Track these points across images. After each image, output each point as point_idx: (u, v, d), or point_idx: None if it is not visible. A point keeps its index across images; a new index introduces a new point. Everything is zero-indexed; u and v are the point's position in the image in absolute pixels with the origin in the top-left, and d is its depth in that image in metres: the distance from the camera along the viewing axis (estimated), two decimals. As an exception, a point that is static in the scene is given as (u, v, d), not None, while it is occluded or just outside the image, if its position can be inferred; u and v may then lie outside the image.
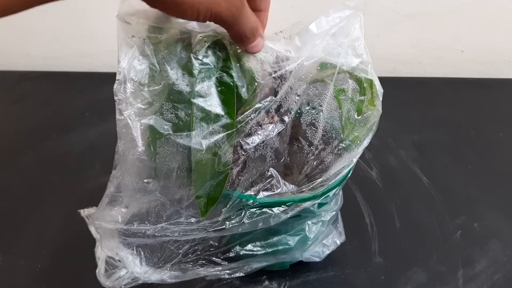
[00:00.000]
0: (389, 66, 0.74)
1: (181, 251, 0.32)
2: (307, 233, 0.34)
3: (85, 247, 0.42)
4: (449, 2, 0.69)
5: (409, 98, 0.68)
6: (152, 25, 0.27)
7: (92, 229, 0.34)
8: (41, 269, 0.40)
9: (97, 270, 0.33)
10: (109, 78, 0.80)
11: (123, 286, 0.33)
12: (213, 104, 0.27)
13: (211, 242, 0.33)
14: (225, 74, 0.27)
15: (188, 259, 0.33)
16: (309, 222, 0.34)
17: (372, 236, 0.43)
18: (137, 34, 0.27)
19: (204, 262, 0.34)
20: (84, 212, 0.36)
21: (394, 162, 0.53)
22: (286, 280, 0.38)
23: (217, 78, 0.27)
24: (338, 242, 0.38)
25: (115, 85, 0.27)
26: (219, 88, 0.27)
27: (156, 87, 0.27)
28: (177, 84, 0.27)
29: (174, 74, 0.27)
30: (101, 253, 0.33)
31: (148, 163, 0.29)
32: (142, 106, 0.28)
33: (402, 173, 0.51)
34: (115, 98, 0.27)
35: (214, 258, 0.34)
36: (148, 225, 0.30)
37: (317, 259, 0.37)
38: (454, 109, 0.65)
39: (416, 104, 0.66)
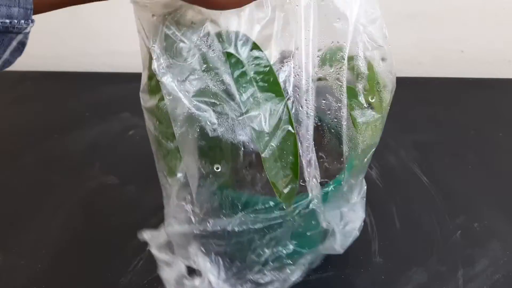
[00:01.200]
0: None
1: (262, 258, 0.31)
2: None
3: (85, 247, 0.42)
4: (449, 2, 0.69)
5: (409, 98, 0.68)
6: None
7: (153, 251, 0.33)
8: (41, 269, 0.40)
9: (167, 286, 0.32)
10: (109, 78, 0.81)
11: None
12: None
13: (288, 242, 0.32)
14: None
15: (269, 268, 0.32)
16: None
17: (372, 236, 0.43)
18: (156, 13, 0.26)
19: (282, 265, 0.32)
20: (143, 236, 0.35)
21: (394, 162, 0.53)
22: (286, 280, 0.38)
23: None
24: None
25: (154, 64, 0.26)
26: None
27: (191, 60, 0.26)
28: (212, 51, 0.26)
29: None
30: (169, 274, 0.32)
31: (210, 142, 0.27)
32: (188, 83, 0.26)
33: (402, 173, 0.51)
34: (158, 78, 0.26)
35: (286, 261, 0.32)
36: (224, 219, 0.29)
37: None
38: (454, 109, 0.65)
39: (416, 104, 0.66)
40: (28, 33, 0.21)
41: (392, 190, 0.48)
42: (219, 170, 0.28)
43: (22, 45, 0.22)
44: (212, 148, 0.27)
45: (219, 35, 0.26)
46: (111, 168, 0.52)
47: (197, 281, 0.31)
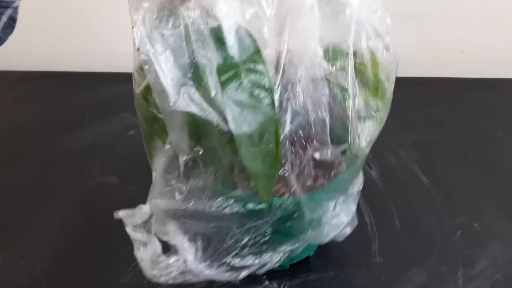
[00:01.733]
0: (389, 66, 0.74)
1: (240, 244, 0.30)
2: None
3: (85, 247, 0.42)
4: (449, 2, 0.69)
5: (409, 98, 0.68)
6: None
7: (128, 230, 0.32)
8: (41, 269, 0.40)
9: (142, 266, 0.31)
10: (109, 78, 0.81)
11: (170, 279, 0.30)
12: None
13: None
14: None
15: (246, 252, 0.31)
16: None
17: (372, 236, 0.43)
18: None
19: (260, 250, 0.32)
20: (119, 214, 0.34)
21: (394, 162, 0.53)
22: (286, 280, 0.38)
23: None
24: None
25: (134, 32, 0.25)
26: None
27: (175, 29, 0.25)
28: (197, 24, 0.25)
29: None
30: (144, 253, 0.31)
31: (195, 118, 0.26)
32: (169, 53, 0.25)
33: (402, 173, 0.51)
34: (136, 47, 0.25)
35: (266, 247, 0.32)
36: (206, 200, 0.28)
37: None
38: (454, 109, 0.65)
39: (416, 104, 0.66)
40: (17, 7, 0.21)
41: (392, 190, 0.48)
42: (200, 152, 0.27)
43: (12, 21, 0.21)
44: (198, 125, 0.26)
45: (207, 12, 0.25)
46: (111, 168, 0.52)
47: (172, 259, 0.30)
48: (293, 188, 0.29)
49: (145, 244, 0.31)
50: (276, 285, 0.38)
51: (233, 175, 0.28)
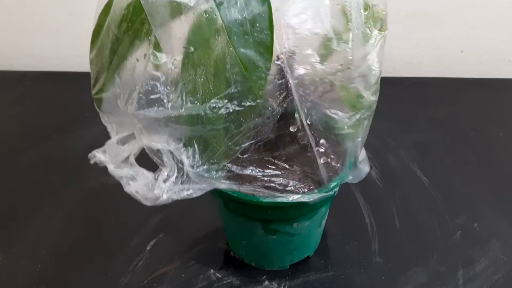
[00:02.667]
0: (389, 66, 0.74)
1: (238, 147, 0.28)
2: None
3: (85, 247, 0.42)
4: (449, 2, 0.69)
5: (409, 98, 0.68)
6: None
7: (110, 168, 0.31)
8: (41, 269, 0.40)
9: (139, 196, 0.30)
10: (109, 78, 0.79)
11: (173, 194, 0.28)
12: None
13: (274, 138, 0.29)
14: None
15: (247, 159, 0.29)
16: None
17: (372, 236, 0.43)
18: None
19: (264, 163, 0.29)
20: (97, 156, 0.32)
21: (394, 162, 0.53)
22: (286, 280, 0.38)
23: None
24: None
25: None
26: None
27: None
28: None
29: None
30: (136, 186, 0.29)
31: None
32: None
33: (402, 173, 0.51)
34: None
35: (275, 160, 0.29)
36: (198, 104, 0.26)
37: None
38: (454, 109, 0.65)
39: (416, 104, 0.66)
40: None
41: (392, 190, 0.48)
42: (191, 50, 0.25)
43: None
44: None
45: None
46: (111, 168, 0.52)
47: (166, 170, 0.29)
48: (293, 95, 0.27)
49: (133, 178, 0.30)
50: (276, 285, 0.38)
51: (225, 71, 0.25)
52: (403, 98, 0.67)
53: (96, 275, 0.39)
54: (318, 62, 0.28)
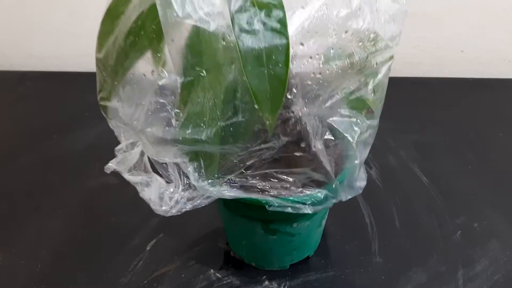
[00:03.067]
0: (389, 66, 0.74)
1: (243, 164, 0.28)
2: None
3: (85, 247, 0.42)
4: (449, 2, 0.69)
5: (409, 98, 0.68)
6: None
7: (126, 176, 0.31)
8: (41, 269, 0.40)
9: (153, 207, 0.30)
10: (109, 78, 0.79)
11: (183, 208, 0.29)
12: None
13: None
14: None
15: (251, 173, 0.29)
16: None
17: (372, 236, 0.43)
18: None
19: (267, 177, 0.30)
20: (109, 165, 0.33)
21: (394, 162, 0.53)
22: (286, 280, 0.38)
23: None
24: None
25: None
26: None
27: None
28: None
29: None
30: (150, 193, 0.30)
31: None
32: None
33: (402, 173, 0.51)
34: None
35: (278, 174, 0.30)
36: (204, 127, 0.25)
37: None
38: (454, 109, 0.65)
39: (416, 104, 0.66)
40: None
41: (392, 190, 0.48)
42: (202, 74, 0.24)
43: None
44: (201, 40, 0.24)
45: None
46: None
47: (173, 187, 0.30)
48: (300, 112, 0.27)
49: (147, 184, 0.30)
50: (276, 285, 0.38)
51: (234, 99, 0.25)
52: (403, 98, 0.67)
53: (96, 275, 0.39)
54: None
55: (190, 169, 0.28)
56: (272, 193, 0.30)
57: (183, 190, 0.30)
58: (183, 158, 0.28)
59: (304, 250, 0.39)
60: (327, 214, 0.39)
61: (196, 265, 0.40)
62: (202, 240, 0.42)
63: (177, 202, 0.29)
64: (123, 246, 0.42)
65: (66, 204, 0.47)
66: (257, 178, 0.30)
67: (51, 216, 0.46)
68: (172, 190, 0.29)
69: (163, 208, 0.29)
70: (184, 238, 0.43)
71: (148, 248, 0.41)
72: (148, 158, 0.32)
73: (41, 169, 0.53)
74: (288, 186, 0.31)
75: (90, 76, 0.83)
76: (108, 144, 0.57)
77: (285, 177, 0.30)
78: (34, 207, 0.47)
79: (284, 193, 0.31)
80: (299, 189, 0.31)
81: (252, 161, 0.28)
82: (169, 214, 0.30)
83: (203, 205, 0.30)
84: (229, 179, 0.29)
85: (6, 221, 0.45)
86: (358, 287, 0.38)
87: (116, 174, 0.51)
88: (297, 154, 0.30)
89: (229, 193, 0.30)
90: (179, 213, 0.30)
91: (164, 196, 0.29)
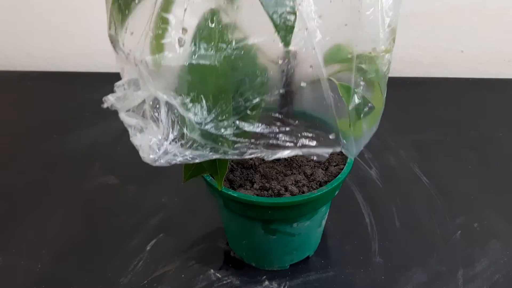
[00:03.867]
0: (389, 66, 0.74)
1: (249, 103, 0.27)
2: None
3: (85, 247, 0.42)
4: (449, 2, 0.69)
5: (409, 98, 0.68)
6: None
7: (122, 116, 0.28)
8: (41, 269, 0.40)
9: (141, 155, 0.28)
10: (109, 78, 0.81)
11: (173, 158, 0.27)
12: None
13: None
14: None
15: (255, 115, 0.28)
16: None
17: (372, 236, 0.43)
18: None
19: (271, 120, 0.28)
20: (109, 99, 0.30)
21: (394, 162, 0.53)
22: (286, 280, 0.38)
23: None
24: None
25: None
26: None
27: None
28: None
29: None
30: (142, 139, 0.27)
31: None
32: None
33: (402, 173, 0.51)
34: None
35: (283, 117, 0.28)
36: (212, 52, 0.24)
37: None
38: (454, 109, 0.65)
39: (416, 104, 0.66)
40: None
41: (392, 190, 0.48)
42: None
43: None
44: None
45: None
46: (111, 168, 0.53)
47: (158, 136, 0.27)
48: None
49: (141, 130, 0.28)
50: (276, 285, 0.38)
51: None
52: (403, 98, 0.67)
53: (96, 275, 0.39)
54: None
55: (191, 112, 0.26)
56: (272, 141, 0.29)
57: (174, 140, 0.27)
58: (184, 98, 0.26)
59: (304, 250, 0.39)
60: (327, 214, 0.39)
61: (196, 265, 0.40)
62: (202, 240, 0.42)
63: (166, 152, 0.27)
64: (123, 246, 0.42)
65: (66, 204, 0.47)
66: (262, 122, 0.28)
67: (51, 216, 0.46)
68: (160, 137, 0.27)
69: (151, 156, 0.27)
70: (184, 238, 0.43)
71: (148, 248, 0.42)
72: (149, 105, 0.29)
73: (41, 169, 0.53)
74: (291, 130, 0.29)
75: (90, 76, 0.84)
76: (108, 144, 0.58)
77: (291, 120, 0.28)
78: (34, 207, 0.47)
79: (287, 138, 0.29)
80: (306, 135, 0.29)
81: (258, 98, 0.27)
82: (157, 164, 0.27)
83: (196, 161, 0.27)
84: (233, 122, 0.27)
85: (6, 221, 0.45)
86: (358, 287, 0.38)
87: (115, 173, 0.52)
88: (303, 84, 0.29)
89: (227, 151, 0.27)
90: (168, 165, 0.27)
91: (153, 144, 0.27)
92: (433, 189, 0.48)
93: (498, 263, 0.40)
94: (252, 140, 0.28)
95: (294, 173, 0.35)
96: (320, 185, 0.34)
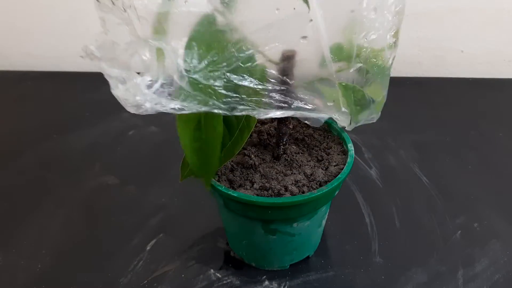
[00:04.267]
0: (389, 66, 0.74)
1: (243, 54, 0.25)
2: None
3: (85, 247, 0.42)
4: (449, 2, 0.69)
5: (409, 98, 0.68)
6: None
7: (102, 65, 0.27)
8: (41, 269, 0.40)
9: (122, 102, 0.26)
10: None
11: (159, 106, 0.24)
12: None
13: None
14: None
15: (249, 67, 0.26)
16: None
17: (372, 236, 0.43)
18: None
19: (265, 76, 0.26)
20: (90, 49, 0.28)
21: (394, 162, 0.53)
22: (286, 280, 0.38)
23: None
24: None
25: None
26: None
27: None
28: None
29: None
30: (124, 91, 0.25)
31: None
32: None
33: (402, 173, 0.51)
34: None
35: (277, 73, 0.26)
36: None
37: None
38: (454, 109, 0.65)
39: (416, 104, 0.66)
40: None
41: (392, 190, 0.48)
42: None
43: None
44: None
45: None
46: (111, 168, 0.53)
47: (148, 77, 0.25)
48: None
49: (123, 81, 0.26)
50: (276, 285, 0.38)
51: None
52: (403, 98, 0.67)
53: (96, 275, 0.39)
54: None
55: (181, 58, 0.25)
56: (266, 100, 0.27)
57: (162, 85, 0.25)
58: (175, 43, 0.24)
59: (304, 250, 0.39)
60: (327, 214, 0.39)
61: (196, 265, 0.40)
62: (202, 240, 0.42)
63: (153, 97, 0.25)
64: (123, 246, 0.42)
65: (66, 204, 0.47)
66: (255, 76, 0.26)
67: (51, 216, 0.46)
68: (149, 79, 0.25)
69: (137, 98, 0.25)
70: (184, 238, 0.43)
71: (148, 248, 0.42)
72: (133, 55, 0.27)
73: (41, 169, 0.53)
74: (286, 90, 0.27)
75: (90, 76, 0.84)
76: (108, 144, 0.58)
77: (285, 79, 0.27)
78: (34, 207, 0.47)
79: (280, 98, 0.27)
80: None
81: (251, 50, 0.25)
82: (141, 110, 0.25)
83: (184, 112, 0.25)
84: (224, 73, 0.25)
85: (6, 221, 0.45)
86: (358, 287, 0.38)
87: (115, 173, 0.52)
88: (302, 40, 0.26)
89: (215, 103, 0.25)
90: (154, 112, 0.25)
91: (141, 84, 0.25)
92: (433, 189, 0.48)
93: (498, 263, 0.40)
94: (243, 96, 0.26)
95: (294, 173, 0.35)
96: (320, 185, 0.34)
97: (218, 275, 0.39)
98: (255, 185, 0.34)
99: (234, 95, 0.26)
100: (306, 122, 0.28)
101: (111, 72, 0.26)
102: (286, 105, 0.27)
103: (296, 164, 0.36)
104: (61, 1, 0.73)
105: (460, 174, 0.51)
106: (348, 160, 0.35)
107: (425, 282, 0.38)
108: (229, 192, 0.32)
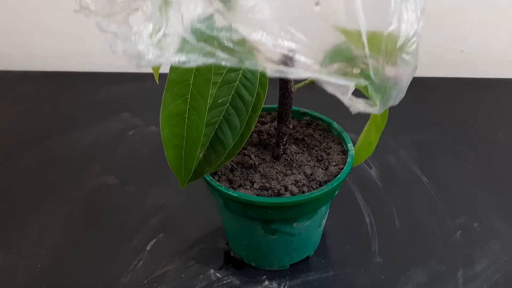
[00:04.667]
0: (389, 66, 0.74)
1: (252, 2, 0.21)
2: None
3: (85, 247, 0.42)
4: (449, 2, 0.69)
5: (409, 98, 0.67)
6: None
7: (98, 20, 0.24)
8: (41, 269, 0.40)
9: (126, 56, 0.23)
10: (109, 78, 0.81)
11: (163, 58, 0.22)
12: None
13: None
14: None
15: (259, 19, 0.22)
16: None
17: (372, 236, 0.43)
18: None
19: (278, 28, 0.22)
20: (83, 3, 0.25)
21: (394, 162, 0.53)
22: (286, 280, 0.38)
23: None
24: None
25: None
26: None
27: None
28: None
29: None
30: (126, 45, 0.23)
31: None
32: None
33: (402, 173, 0.51)
34: None
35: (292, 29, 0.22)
36: None
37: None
38: (454, 109, 0.65)
39: (416, 104, 0.66)
40: None
41: (392, 190, 0.48)
42: None
43: None
44: None
45: None
46: (111, 168, 0.53)
47: (150, 26, 0.23)
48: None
49: (125, 38, 0.23)
50: (276, 285, 0.38)
51: None
52: (403, 98, 0.67)
53: (96, 275, 0.39)
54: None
55: (184, 4, 0.22)
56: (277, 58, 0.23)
57: (164, 35, 0.23)
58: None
59: (304, 250, 0.39)
60: (327, 214, 0.39)
61: (196, 265, 0.40)
62: (202, 240, 0.42)
63: (156, 49, 0.23)
64: (123, 246, 0.42)
65: (66, 204, 0.47)
66: (266, 31, 0.22)
67: (51, 216, 0.46)
68: (151, 28, 0.22)
69: (139, 47, 0.22)
70: (184, 238, 0.43)
71: (148, 248, 0.42)
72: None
73: (41, 169, 0.53)
74: (302, 49, 0.23)
75: (90, 76, 0.84)
76: (108, 144, 0.58)
77: (301, 36, 0.22)
78: (34, 207, 0.47)
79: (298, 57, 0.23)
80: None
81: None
82: (143, 63, 0.23)
83: (190, 64, 0.23)
84: (231, 26, 0.22)
85: (6, 221, 0.45)
86: (358, 287, 0.38)
87: (115, 173, 0.52)
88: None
89: (223, 55, 0.23)
90: (158, 64, 0.23)
91: (143, 33, 0.23)
92: (433, 189, 0.48)
93: (498, 263, 0.40)
94: (254, 52, 0.23)
95: (294, 173, 0.35)
96: (320, 185, 0.34)
97: (218, 275, 0.39)
98: (255, 185, 0.34)
99: (241, 48, 0.23)
100: (327, 89, 0.24)
101: (109, 28, 0.24)
102: (304, 65, 0.23)
103: (296, 164, 0.36)
104: (61, 1, 0.73)
105: (460, 174, 0.51)
106: (348, 160, 0.35)
107: (425, 282, 0.38)
108: (229, 192, 0.32)
